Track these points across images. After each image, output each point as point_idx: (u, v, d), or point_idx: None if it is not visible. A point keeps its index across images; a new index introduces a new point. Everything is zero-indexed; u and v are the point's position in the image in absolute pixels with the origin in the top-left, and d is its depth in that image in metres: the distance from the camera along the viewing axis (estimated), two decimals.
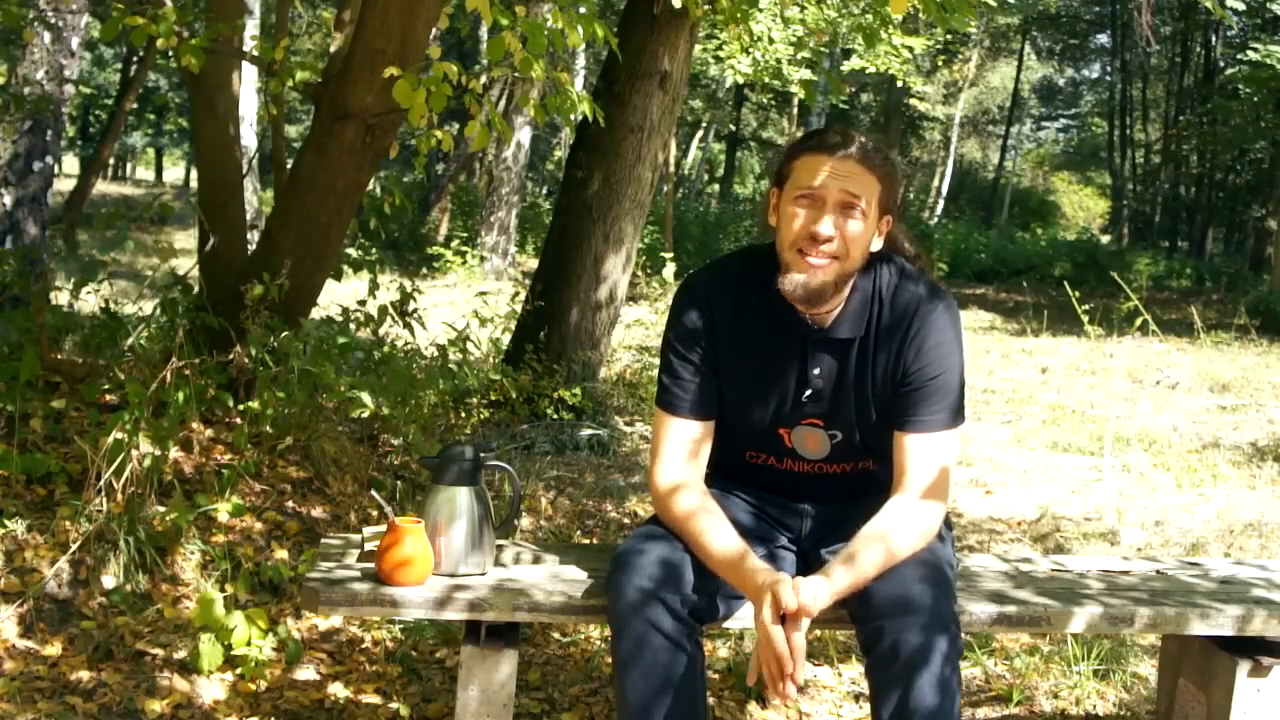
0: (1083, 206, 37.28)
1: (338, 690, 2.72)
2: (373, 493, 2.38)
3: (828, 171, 1.99)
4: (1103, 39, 30.98)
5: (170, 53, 3.61)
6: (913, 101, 22.91)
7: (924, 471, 2.02)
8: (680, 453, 2.10)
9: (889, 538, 1.94)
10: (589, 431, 5.38)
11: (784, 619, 1.84)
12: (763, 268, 2.08)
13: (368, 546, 2.25)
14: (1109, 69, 30.95)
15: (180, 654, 2.73)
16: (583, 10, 3.47)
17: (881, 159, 2.03)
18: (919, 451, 2.03)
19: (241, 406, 3.57)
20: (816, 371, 2.09)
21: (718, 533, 1.98)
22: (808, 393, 2.10)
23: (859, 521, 1.99)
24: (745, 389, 2.12)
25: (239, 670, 2.70)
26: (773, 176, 2.12)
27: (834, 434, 2.13)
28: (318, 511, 3.48)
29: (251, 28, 9.97)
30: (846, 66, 13.25)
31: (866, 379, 2.08)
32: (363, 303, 4.25)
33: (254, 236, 6.60)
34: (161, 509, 3.08)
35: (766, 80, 11.43)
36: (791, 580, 1.87)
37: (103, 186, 25.12)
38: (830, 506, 2.20)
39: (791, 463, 2.18)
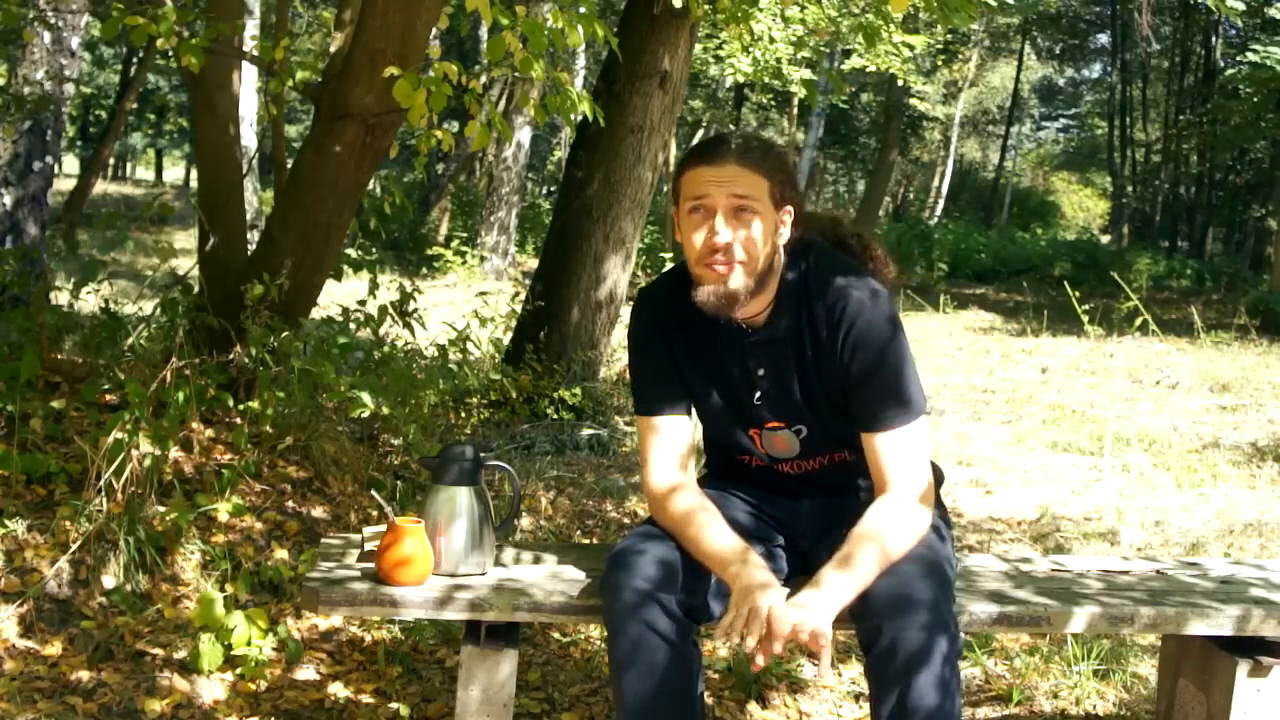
0: (1083, 207, 37.28)
1: (338, 690, 2.72)
2: (373, 493, 2.39)
3: (710, 180, 2.00)
4: (1103, 39, 31.00)
5: (170, 53, 3.60)
6: (913, 101, 22.90)
7: (901, 469, 2.02)
8: (668, 454, 2.11)
9: (882, 538, 1.93)
10: (589, 431, 5.38)
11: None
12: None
13: (368, 546, 2.25)
14: (1109, 69, 30.96)
15: (180, 654, 2.74)
16: (583, 10, 3.47)
17: (761, 154, 2.03)
18: (890, 450, 2.03)
19: (241, 406, 3.57)
20: (761, 373, 2.11)
21: (715, 532, 1.99)
22: (758, 395, 2.13)
23: (853, 516, 1.99)
24: (707, 397, 2.16)
25: (239, 670, 2.70)
26: (672, 196, 2.14)
27: (799, 429, 2.15)
28: (318, 511, 3.48)
29: (251, 28, 9.97)
30: (847, 66, 13.25)
31: (810, 375, 2.09)
32: (363, 303, 4.25)
33: (254, 236, 6.60)
34: (161, 509, 3.08)
35: (766, 80, 11.43)
36: (784, 602, 1.83)
37: (103, 186, 25.12)
38: (821, 501, 2.21)
39: (772, 463, 2.20)
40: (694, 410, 2.20)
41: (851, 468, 2.16)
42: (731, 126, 27.07)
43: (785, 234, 2.08)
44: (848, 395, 2.07)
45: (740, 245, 2.00)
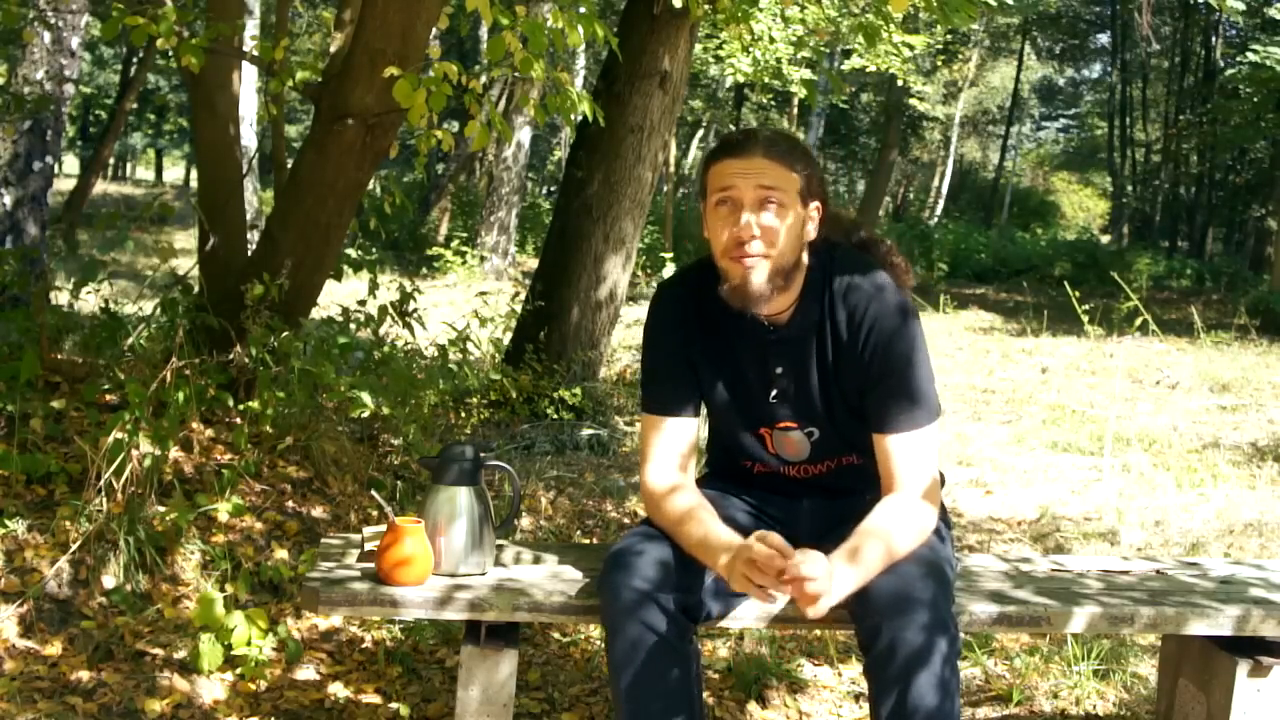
0: (1083, 206, 37.28)
1: (338, 690, 2.72)
2: (373, 493, 2.39)
3: (737, 172, 2.00)
4: (1103, 39, 31.01)
5: (170, 53, 3.61)
6: (913, 101, 22.90)
7: (911, 471, 2.02)
8: (669, 454, 2.11)
9: (889, 536, 1.93)
10: (589, 431, 5.38)
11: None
12: (717, 276, 2.09)
13: (368, 546, 2.25)
14: (1109, 69, 30.96)
15: (180, 654, 2.74)
16: (583, 10, 3.47)
17: (788, 148, 2.04)
18: (901, 452, 2.03)
19: (241, 406, 3.57)
20: (779, 371, 2.11)
21: (711, 526, 1.98)
22: (774, 393, 2.12)
23: (857, 519, 1.99)
24: (721, 396, 2.15)
25: (239, 670, 2.70)
26: (699, 191, 2.14)
27: (810, 432, 2.14)
28: (318, 511, 3.48)
29: (251, 28, 9.97)
30: (847, 66, 13.26)
31: (829, 375, 2.09)
32: (363, 303, 4.25)
33: (254, 236, 6.61)
34: (161, 509, 3.08)
35: (766, 80, 11.43)
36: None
37: (103, 186, 25.12)
38: (821, 503, 2.21)
39: (779, 466, 2.20)
40: (703, 409, 2.19)
41: (859, 472, 2.16)
42: (732, 126, 27.11)
43: (812, 230, 2.07)
44: (864, 395, 2.06)
45: (766, 237, 1.99)
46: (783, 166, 2.01)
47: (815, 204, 2.07)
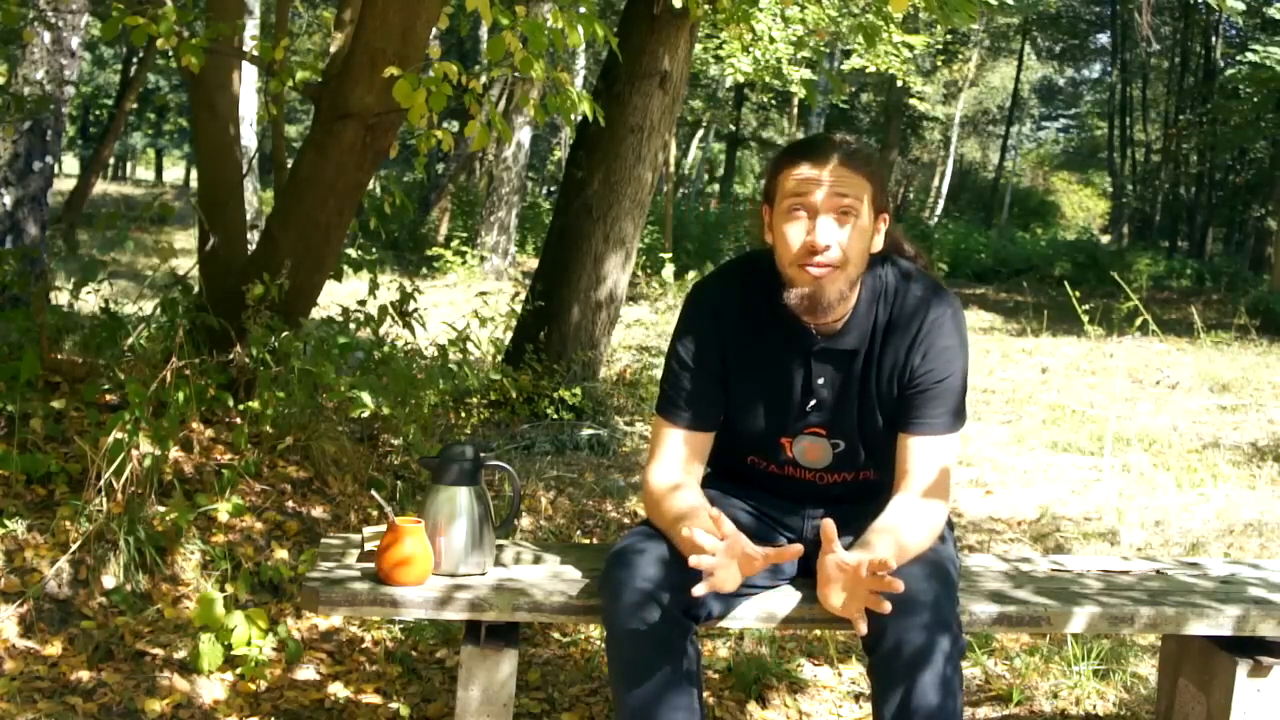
0: (1083, 206, 37.29)
1: (338, 690, 2.72)
2: (373, 493, 2.39)
3: (814, 178, 1.96)
4: (1103, 39, 31.01)
5: (170, 53, 3.61)
6: (913, 101, 22.91)
7: (927, 472, 2.02)
8: (677, 460, 2.10)
9: (899, 533, 1.93)
10: (589, 431, 5.38)
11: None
12: (767, 278, 2.06)
13: (368, 546, 2.25)
14: (1109, 69, 30.96)
15: (180, 654, 2.74)
16: (583, 10, 3.47)
17: (866, 157, 2.01)
18: (922, 452, 2.03)
19: (241, 406, 3.58)
20: (821, 381, 2.08)
21: (701, 521, 1.98)
22: (812, 402, 2.09)
23: (863, 522, 1.99)
24: (751, 397, 2.12)
25: (239, 670, 2.70)
26: (763, 193, 2.10)
27: (836, 443, 2.12)
28: (318, 511, 3.48)
29: (251, 28, 9.97)
30: (847, 66, 13.26)
31: (871, 385, 2.07)
32: (363, 303, 4.25)
33: (254, 236, 6.60)
34: (161, 509, 3.08)
35: (767, 80, 11.43)
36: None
37: (103, 186, 25.12)
38: (829, 510, 2.20)
39: (792, 470, 2.18)
40: (725, 411, 2.15)
41: (871, 487, 2.15)
42: (732, 127, 27.11)
43: (879, 243, 2.05)
44: (901, 399, 2.05)
45: (840, 247, 1.96)
46: (860, 176, 1.97)
47: (884, 215, 2.04)
